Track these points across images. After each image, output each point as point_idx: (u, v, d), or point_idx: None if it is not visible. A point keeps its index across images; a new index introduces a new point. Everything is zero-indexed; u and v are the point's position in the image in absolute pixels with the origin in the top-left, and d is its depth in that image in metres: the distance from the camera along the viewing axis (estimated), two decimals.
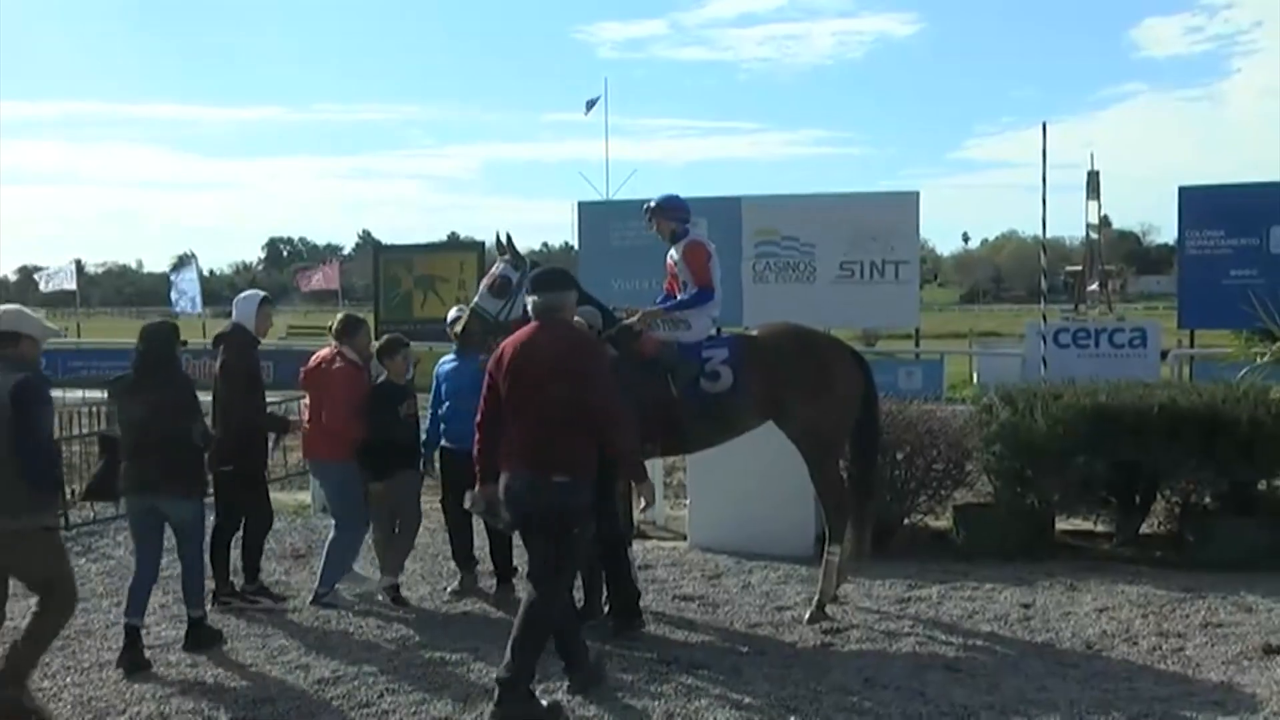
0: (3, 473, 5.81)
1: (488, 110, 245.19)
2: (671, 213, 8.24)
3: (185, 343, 7.81)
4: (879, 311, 25.59)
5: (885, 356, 27.64)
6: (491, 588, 8.58)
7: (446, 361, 8.58)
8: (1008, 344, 31.27)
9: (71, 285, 39.40)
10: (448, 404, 8.40)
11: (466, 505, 6.69)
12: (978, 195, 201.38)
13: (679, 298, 8.09)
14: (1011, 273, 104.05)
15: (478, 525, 8.50)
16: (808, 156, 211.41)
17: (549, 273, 6.68)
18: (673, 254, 8.23)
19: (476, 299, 7.87)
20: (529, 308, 6.46)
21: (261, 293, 8.65)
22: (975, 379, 24.75)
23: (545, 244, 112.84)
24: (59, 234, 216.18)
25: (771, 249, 25.43)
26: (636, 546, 8.93)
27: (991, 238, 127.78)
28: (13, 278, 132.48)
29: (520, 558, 8.71)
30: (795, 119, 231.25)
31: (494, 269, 7.91)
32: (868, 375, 8.08)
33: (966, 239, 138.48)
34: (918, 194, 25.80)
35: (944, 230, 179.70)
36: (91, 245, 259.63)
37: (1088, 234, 34.24)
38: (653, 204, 8.27)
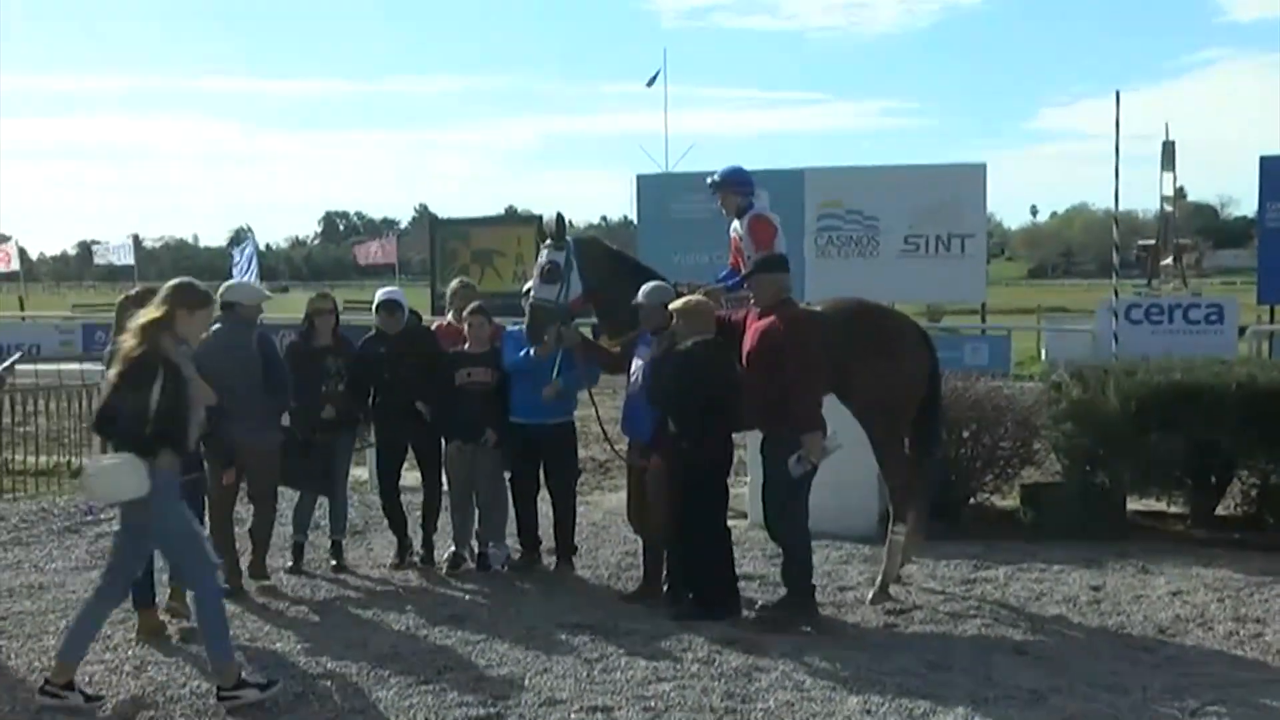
0: (254, 400, 7.64)
1: (547, 82, 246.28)
2: (736, 186, 8.23)
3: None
4: (944, 286, 25.39)
5: (950, 332, 27.38)
6: (550, 565, 8.62)
7: (512, 333, 8.58)
8: (1077, 320, 30.79)
9: (129, 260, 39.95)
10: (518, 379, 8.35)
11: (813, 458, 6.96)
12: (1047, 167, 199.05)
13: (744, 273, 8.07)
14: (1082, 247, 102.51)
15: (544, 504, 8.58)
16: (873, 128, 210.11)
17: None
18: (737, 228, 8.23)
19: (532, 291, 7.98)
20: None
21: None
22: (1043, 355, 24.50)
23: (604, 217, 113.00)
24: (118, 208, 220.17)
25: (835, 222, 25.30)
26: None
27: (1061, 210, 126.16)
28: (72, 252, 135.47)
29: (581, 538, 8.77)
30: (860, 89, 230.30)
31: (540, 258, 8.02)
32: (933, 352, 8.02)
33: (1035, 212, 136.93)
34: (984, 166, 25.56)
35: (1012, 203, 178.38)
36: (149, 219, 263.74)
37: (1162, 206, 33.71)
38: (717, 177, 8.26)
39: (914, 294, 27.27)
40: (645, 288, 7.76)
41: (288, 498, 8.88)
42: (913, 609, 7.58)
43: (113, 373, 5.92)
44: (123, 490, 5.84)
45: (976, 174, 25.24)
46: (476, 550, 8.57)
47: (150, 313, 5.96)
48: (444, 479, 8.65)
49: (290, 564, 8.65)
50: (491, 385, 8.36)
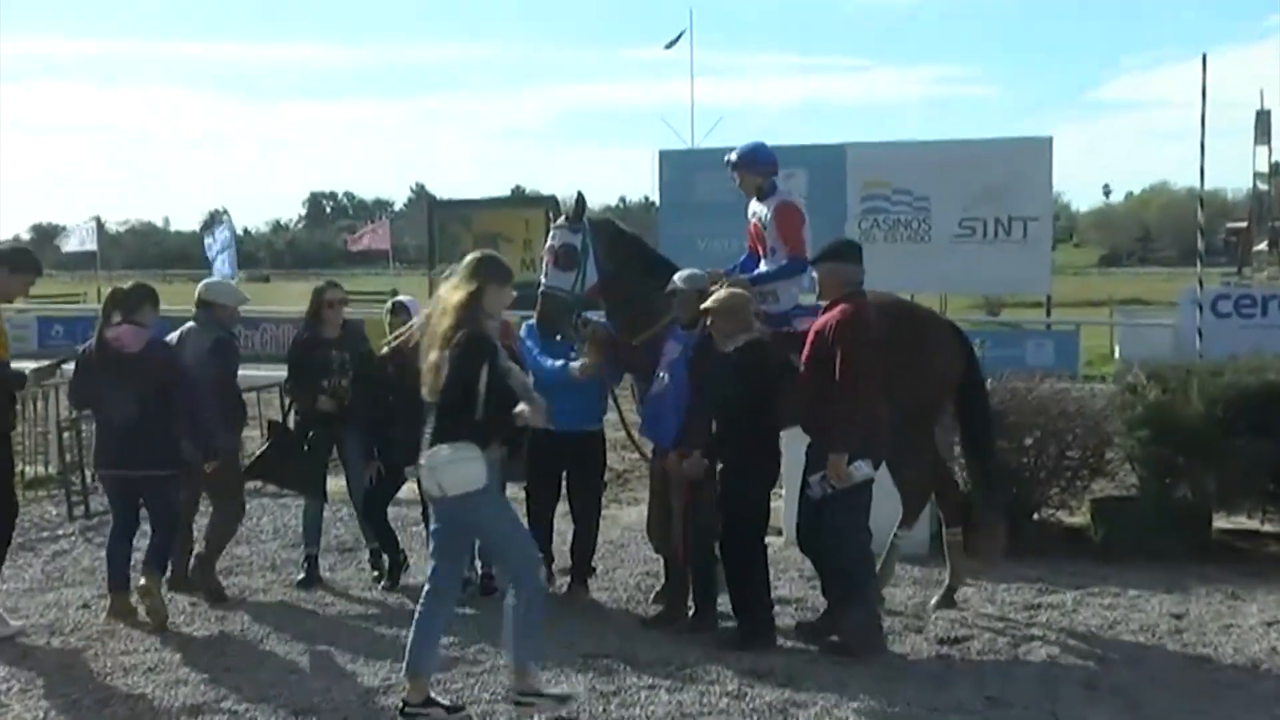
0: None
1: (558, 48, 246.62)
2: (757, 166, 8.26)
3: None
4: (1004, 276, 25.31)
5: (1011, 328, 27.36)
6: (563, 586, 8.64)
7: (524, 333, 8.55)
8: (1156, 313, 30.73)
9: (92, 246, 40.16)
10: (537, 385, 8.33)
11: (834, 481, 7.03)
12: (1122, 141, 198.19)
13: (766, 267, 8.15)
14: (1162, 231, 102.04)
15: (560, 521, 8.63)
16: (923, 98, 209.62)
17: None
18: (758, 212, 8.27)
19: (544, 279, 7.97)
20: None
21: None
22: (1117, 353, 24.45)
23: (622, 198, 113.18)
24: (76, 188, 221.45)
25: (881, 204, 25.27)
26: None
27: (1138, 190, 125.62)
28: (26, 236, 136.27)
29: (596, 557, 8.78)
30: (909, 54, 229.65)
31: (552, 239, 8.02)
32: (970, 355, 8.12)
33: (1108, 192, 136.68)
34: (1050, 140, 25.50)
35: (1081, 182, 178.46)
36: (112, 201, 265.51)
37: (1254, 184, 33.62)
38: (734, 156, 8.31)
39: (969, 284, 27.26)
40: (683, 274, 7.80)
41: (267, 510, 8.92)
42: (969, 637, 7.57)
43: (433, 356, 6.13)
44: (470, 482, 6.04)
45: (1041, 149, 25.17)
46: (480, 571, 8.59)
47: (461, 290, 6.16)
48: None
49: (302, 576, 8.82)
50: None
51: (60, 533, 10.51)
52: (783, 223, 8.10)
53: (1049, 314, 27.00)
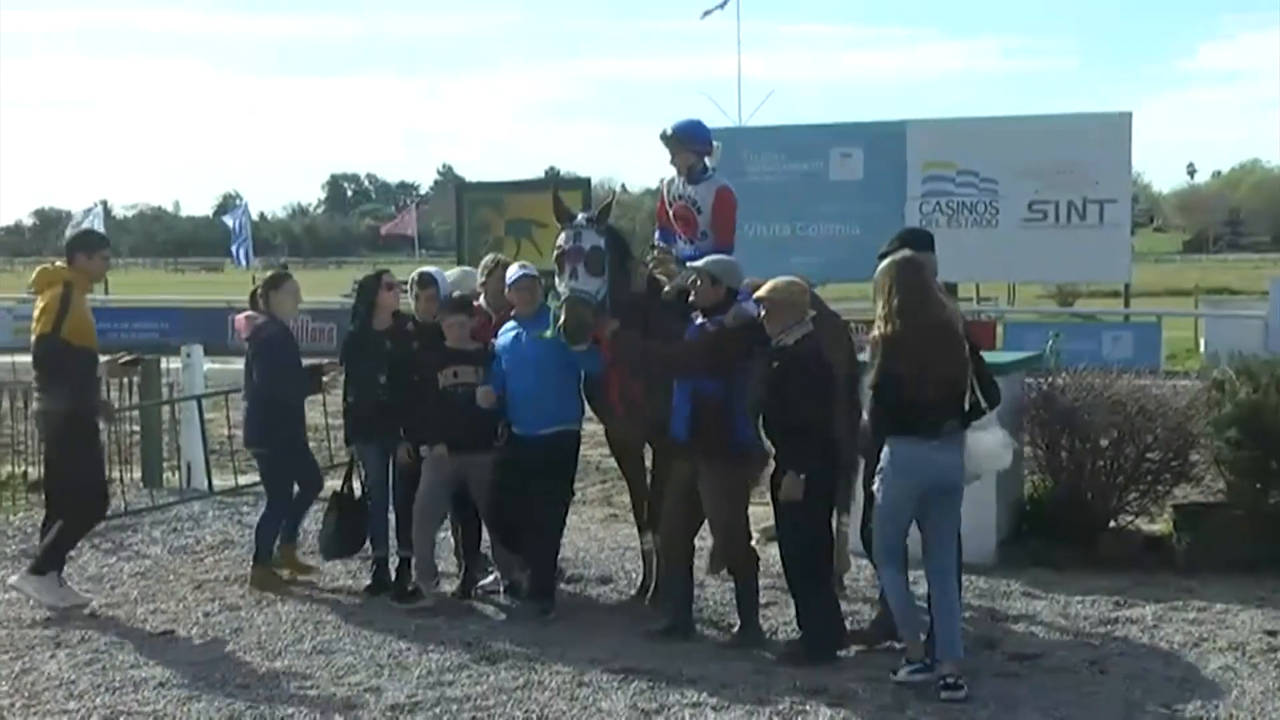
0: None
1: (594, 19, 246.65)
2: (695, 143, 8.60)
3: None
4: (1079, 263, 25.19)
5: (1086, 319, 27.21)
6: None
7: (506, 331, 8.60)
8: (1245, 303, 30.50)
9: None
10: (510, 382, 8.41)
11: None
12: (1210, 116, 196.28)
13: (694, 250, 8.42)
14: (1254, 213, 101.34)
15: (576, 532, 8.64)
16: (990, 71, 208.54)
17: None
18: (688, 193, 8.58)
19: (569, 284, 7.93)
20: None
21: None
22: (1202, 347, 24.28)
23: (663, 179, 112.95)
24: (82, 170, 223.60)
25: (944, 185, 25.20)
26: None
27: (1226, 169, 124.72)
28: (28, 222, 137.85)
29: (624, 562, 8.78)
30: (974, 22, 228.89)
31: (577, 240, 7.98)
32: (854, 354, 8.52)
33: (1193, 172, 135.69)
34: (1129, 115, 25.35)
35: (1164, 161, 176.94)
36: (119, 183, 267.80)
37: None
38: (671, 130, 8.57)
39: (1040, 272, 27.20)
40: (708, 259, 7.91)
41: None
42: (1039, 654, 7.53)
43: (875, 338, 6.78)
44: (1001, 462, 7.29)
45: (1119, 125, 25.02)
46: (499, 579, 8.72)
47: None
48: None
49: (370, 582, 8.94)
50: (480, 385, 8.46)
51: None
52: (722, 209, 8.51)
53: (1127, 304, 26.89)
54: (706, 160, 8.61)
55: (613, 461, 9.54)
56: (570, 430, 8.45)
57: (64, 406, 8.44)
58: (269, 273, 9.85)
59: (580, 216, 8.12)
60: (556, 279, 8.08)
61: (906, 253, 7.11)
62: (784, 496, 7.32)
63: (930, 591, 7.03)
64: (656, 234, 8.95)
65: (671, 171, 8.74)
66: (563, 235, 8.06)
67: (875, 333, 6.84)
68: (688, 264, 8.08)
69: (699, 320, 7.79)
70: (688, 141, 8.56)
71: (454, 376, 8.49)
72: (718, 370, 7.51)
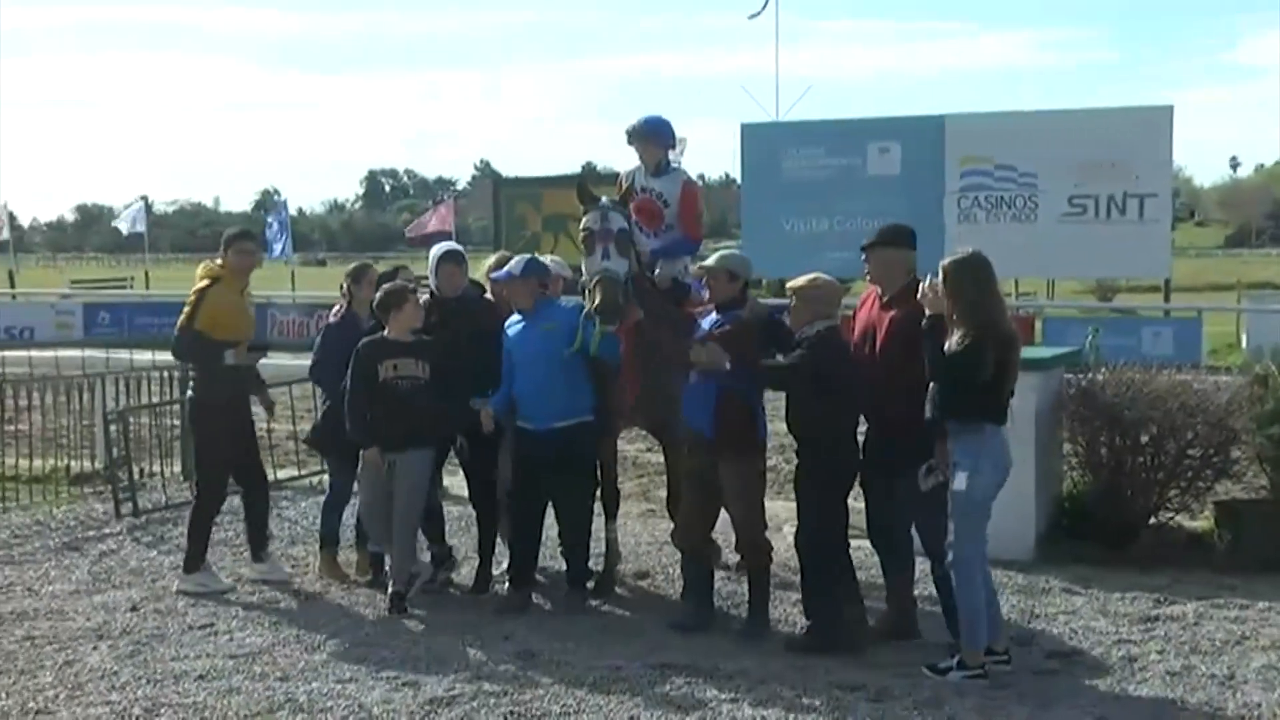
0: None
1: (631, 13, 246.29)
2: (661, 139, 8.90)
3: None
4: (1119, 258, 25.02)
5: (1126, 315, 27.06)
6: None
7: (513, 324, 8.58)
8: None
9: (141, 227, 40.94)
10: (520, 376, 8.42)
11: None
12: (1252, 108, 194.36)
13: (661, 243, 8.78)
14: None
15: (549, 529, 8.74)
16: (1028, 64, 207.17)
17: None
18: (653, 186, 8.84)
19: (602, 263, 8.02)
20: None
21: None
22: (1244, 342, 24.08)
23: (701, 176, 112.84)
24: (123, 166, 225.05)
25: (982, 180, 25.08)
26: None
27: (1269, 163, 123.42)
28: (71, 217, 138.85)
29: (659, 557, 8.79)
30: (1012, 16, 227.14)
31: (605, 222, 8.12)
32: None
33: (1236, 165, 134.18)
34: (1171, 109, 25.20)
35: (1206, 155, 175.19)
36: (160, 179, 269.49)
37: None
38: (640, 126, 8.83)
39: (1080, 268, 26.99)
40: (720, 253, 8.12)
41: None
42: (1077, 652, 7.51)
43: None
44: None
45: (1160, 119, 24.83)
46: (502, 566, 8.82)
47: None
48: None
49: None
50: (424, 380, 8.42)
51: (107, 531, 10.71)
52: (689, 203, 8.88)
53: (1168, 299, 26.65)
54: (670, 154, 8.90)
55: (650, 456, 9.59)
56: (585, 422, 8.46)
57: (196, 395, 9.21)
58: (351, 266, 9.89)
59: (605, 200, 8.27)
60: (585, 260, 8.19)
61: (971, 249, 7.21)
62: (807, 472, 7.52)
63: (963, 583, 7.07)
64: None
65: (630, 166, 9.01)
66: (589, 216, 8.19)
67: (961, 325, 6.90)
68: (700, 263, 8.29)
69: (713, 315, 7.86)
70: (655, 138, 8.89)
71: (394, 370, 8.38)
72: (740, 365, 7.54)
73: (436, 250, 9.05)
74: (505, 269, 8.51)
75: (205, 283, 8.94)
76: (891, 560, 7.82)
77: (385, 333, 8.44)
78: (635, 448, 11.90)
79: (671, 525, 8.51)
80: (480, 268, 9.25)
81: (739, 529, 7.98)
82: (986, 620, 7.07)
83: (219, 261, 9.10)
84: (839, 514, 7.63)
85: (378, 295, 8.54)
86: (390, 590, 8.45)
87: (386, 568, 8.80)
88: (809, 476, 7.54)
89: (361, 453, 8.48)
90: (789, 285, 7.65)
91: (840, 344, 7.52)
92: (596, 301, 7.95)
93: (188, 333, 8.91)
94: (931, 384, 6.99)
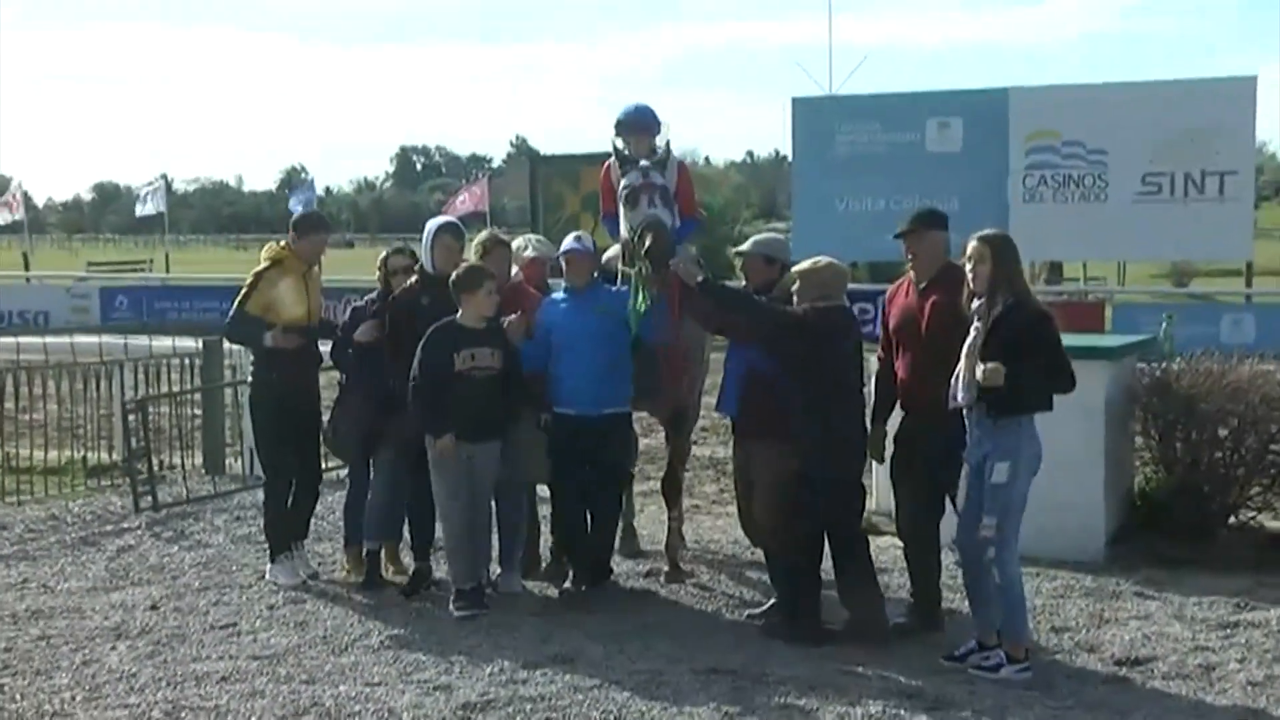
0: None
1: None
2: (653, 127, 8.96)
3: None
4: (1196, 240, 24.86)
5: (1204, 300, 26.87)
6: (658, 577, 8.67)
7: (556, 302, 8.70)
8: None
9: (161, 207, 41.22)
10: (565, 358, 8.49)
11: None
12: None
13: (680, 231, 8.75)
14: None
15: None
16: (1099, 34, 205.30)
17: None
18: (654, 179, 8.67)
19: (649, 210, 8.23)
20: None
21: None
22: None
23: (749, 153, 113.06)
24: (141, 144, 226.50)
25: (1049, 157, 24.95)
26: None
27: None
28: (87, 196, 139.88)
29: (692, 561, 8.80)
30: None
31: (639, 178, 8.35)
32: None
33: None
34: (1254, 79, 24.93)
35: None
36: (180, 157, 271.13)
37: None
38: (630, 117, 8.91)
39: (1154, 250, 26.80)
40: (755, 238, 8.45)
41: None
42: (1153, 658, 7.47)
43: None
44: None
45: (1243, 90, 24.60)
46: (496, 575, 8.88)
47: None
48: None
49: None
50: (498, 370, 8.40)
51: (125, 526, 10.80)
52: (684, 184, 8.95)
53: (1249, 284, 26.45)
54: (657, 140, 8.94)
55: (695, 450, 9.67)
56: (626, 413, 8.72)
57: (252, 378, 9.25)
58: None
59: (643, 161, 8.48)
60: (628, 215, 8.37)
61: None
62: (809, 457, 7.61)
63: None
64: (603, 220, 9.23)
65: (618, 168, 8.94)
66: (630, 175, 8.42)
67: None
68: (736, 248, 8.68)
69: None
70: (646, 127, 8.93)
71: (471, 360, 8.36)
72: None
73: (433, 223, 9.10)
74: (577, 242, 8.67)
75: (265, 264, 9.02)
76: (918, 550, 7.92)
77: (458, 316, 8.42)
78: (659, 440, 11.90)
79: (665, 517, 9.12)
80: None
81: (759, 516, 8.05)
82: (1025, 613, 7.25)
83: (282, 243, 9.15)
84: (859, 495, 7.96)
85: (453, 275, 8.48)
86: (465, 588, 8.38)
87: (380, 566, 9.06)
88: (806, 457, 7.66)
89: (432, 441, 8.35)
90: (794, 269, 7.80)
91: (843, 321, 7.73)
92: (647, 244, 8.05)
93: (237, 314, 9.02)
94: (962, 367, 7.03)
